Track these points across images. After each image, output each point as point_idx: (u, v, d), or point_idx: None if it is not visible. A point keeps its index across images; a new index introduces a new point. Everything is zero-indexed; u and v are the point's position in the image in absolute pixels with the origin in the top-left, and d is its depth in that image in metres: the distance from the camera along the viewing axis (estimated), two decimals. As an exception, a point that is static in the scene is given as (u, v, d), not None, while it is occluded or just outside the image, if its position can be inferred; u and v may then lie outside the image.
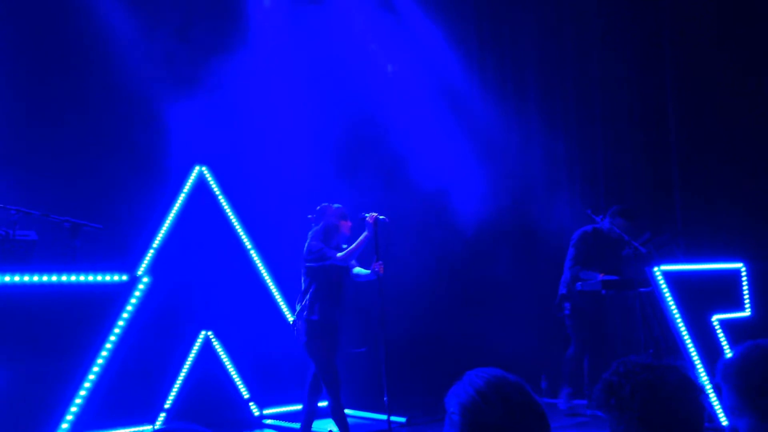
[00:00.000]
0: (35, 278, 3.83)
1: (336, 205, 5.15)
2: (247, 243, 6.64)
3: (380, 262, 5.01)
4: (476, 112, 8.05)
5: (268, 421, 6.41)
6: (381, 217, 5.01)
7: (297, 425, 6.21)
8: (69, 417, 3.85)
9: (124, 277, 4.11)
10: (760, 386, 1.87)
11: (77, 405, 3.89)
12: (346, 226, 5.09)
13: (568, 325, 6.64)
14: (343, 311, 5.03)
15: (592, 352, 6.51)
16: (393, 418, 5.03)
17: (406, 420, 6.15)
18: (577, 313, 6.50)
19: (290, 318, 6.73)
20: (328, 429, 5.99)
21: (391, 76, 7.78)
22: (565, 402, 6.38)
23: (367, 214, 5.04)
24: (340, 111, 7.38)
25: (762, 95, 7.19)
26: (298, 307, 5.02)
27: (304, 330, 4.91)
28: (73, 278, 3.92)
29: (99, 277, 3.99)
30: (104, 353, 4.00)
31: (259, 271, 6.67)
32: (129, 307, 4.12)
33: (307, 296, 4.95)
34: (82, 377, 3.88)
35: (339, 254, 4.93)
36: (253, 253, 6.66)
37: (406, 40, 7.92)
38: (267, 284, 6.69)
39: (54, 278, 3.87)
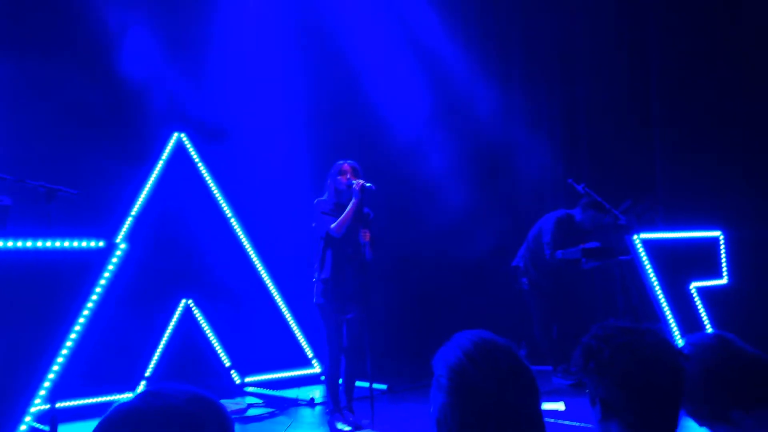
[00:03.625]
0: (9, 244, 3.76)
1: (338, 162, 5.19)
2: (227, 210, 6.59)
3: (366, 229, 5.02)
4: (458, 77, 7.99)
5: (250, 389, 6.42)
6: (368, 184, 5.00)
7: (278, 392, 6.25)
8: (46, 384, 3.82)
9: (101, 244, 4.05)
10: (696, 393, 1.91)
11: (54, 373, 3.85)
12: (342, 180, 5.10)
13: (527, 300, 6.74)
14: (357, 273, 5.04)
15: (559, 321, 6.61)
16: (375, 386, 5.05)
17: (388, 387, 6.19)
18: (534, 286, 6.60)
19: (271, 285, 6.73)
20: (311, 396, 6.02)
21: (371, 39, 7.68)
22: (563, 378, 6.41)
23: (354, 181, 5.03)
24: (320, 77, 7.30)
25: (743, 66, 7.19)
26: (315, 268, 5.16)
27: (317, 290, 5.07)
28: (48, 244, 3.86)
29: (75, 243, 3.93)
30: (81, 320, 3.96)
31: (239, 238, 6.63)
32: (106, 274, 4.07)
33: (320, 257, 5.11)
34: (58, 346, 3.84)
35: (333, 225, 5.00)
36: (233, 221, 6.61)
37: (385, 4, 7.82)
38: (247, 251, 6.65)
39: (29, 244, 3.80)
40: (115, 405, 1.27)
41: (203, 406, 1.27)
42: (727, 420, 1.91)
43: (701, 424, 1.98)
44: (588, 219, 6.54)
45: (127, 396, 5.48)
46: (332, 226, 5.02)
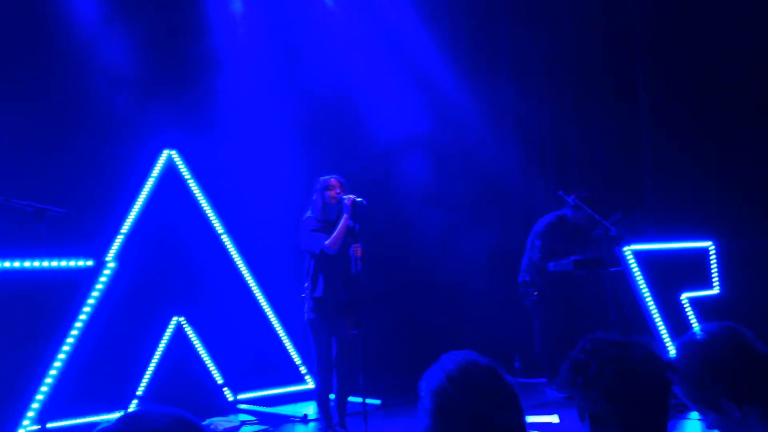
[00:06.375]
0: (-3, 265, 3.74)
1: (323, 178, 5.17)
2: (218, 227, 6.57)
3: (358, 244, 5.00)
4: (448, 93, 8.02)
5: (243, 406, 6.38)
6: (359, 199, 4.99)
7: (271, 409, 6.21)
8: (35, 405, 3.78)
9: (90, 263, 4.03)
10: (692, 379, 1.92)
11: (43, 393, 3.82)
12: (330, 195, 5.08)
13: (532, 311, 6.72)
14: (348, 288, 5.03)
15: (560, 332, 6.60)
16: (368, 401, 5.03)
17: (381, 402, 6.16)
18: (541, 296, 6.60)
19: (263, 302, 6.70)
20: (304, 412, 5.99)
21: (362, 56, 7.71)
22: (557, 391, 6.38)
23: (345, 197, 5.02)
24: (311, 93, 7.31)
25: (733, 78, 7.24)
26: (306, 285, 5.12)
27: (309, 307, 5.04)
28: (36, 264, 3.84)
29: (64, 263, 3.91)
30: (70, 340, 3.93)
31: (231, 255, 6.60)
32: (95, 293, 4.05)
33: (311, 274, 5.07)
34: (47, 365, 3.81)
35: (326, 242, 4.97)
36: (225, 238, 6.59)
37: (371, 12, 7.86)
38: (239, 269, 6.62)
39: (17, 264, 3.78)
40: (97, 429, 1.25)
41: (186, 429, 1.26)
42: (718, 408, 1.92)
43: (693, 407, 2.00)
44: (581, 217, 6.51)
45: (118, 415, 5.44)
46: (326, 243, 4.98)
